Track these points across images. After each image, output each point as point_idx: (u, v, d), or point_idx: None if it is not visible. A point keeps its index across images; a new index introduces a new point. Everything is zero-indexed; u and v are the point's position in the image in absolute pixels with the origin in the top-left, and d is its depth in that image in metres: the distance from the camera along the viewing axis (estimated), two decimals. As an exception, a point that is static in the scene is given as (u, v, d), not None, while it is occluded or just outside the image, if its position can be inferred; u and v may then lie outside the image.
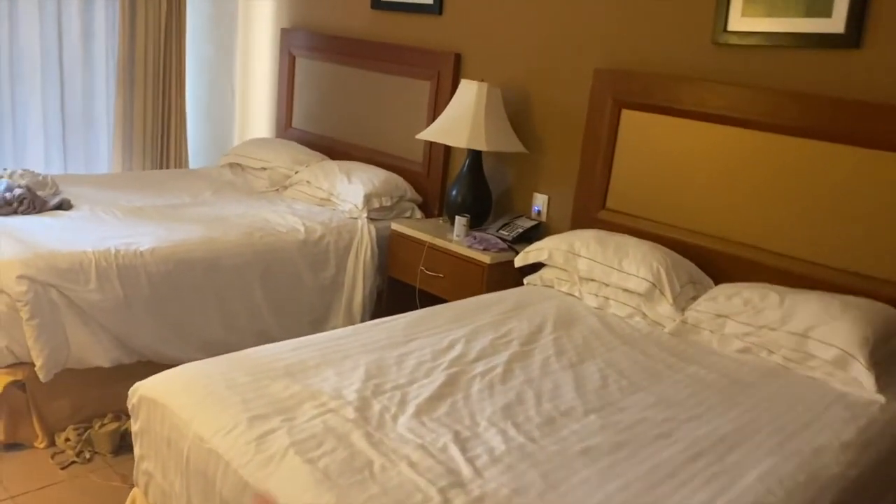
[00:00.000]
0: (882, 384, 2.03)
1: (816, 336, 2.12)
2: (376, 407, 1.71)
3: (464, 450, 1.57)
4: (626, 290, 2.50)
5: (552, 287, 2.69)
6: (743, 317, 2.27)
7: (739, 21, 2.55)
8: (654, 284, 2.43)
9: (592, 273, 2.57)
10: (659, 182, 2.76)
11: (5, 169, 3.26)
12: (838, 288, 2.33)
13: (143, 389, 1.76)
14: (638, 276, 2.46)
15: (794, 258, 2.46)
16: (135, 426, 1.80)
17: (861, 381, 2.03)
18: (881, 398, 1.99)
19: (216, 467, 1.54)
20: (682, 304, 2.43)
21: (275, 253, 2.99)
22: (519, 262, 2.77)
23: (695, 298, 2.48)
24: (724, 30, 2.58)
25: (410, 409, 1.71)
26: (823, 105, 2.35)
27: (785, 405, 1.94)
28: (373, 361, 1.93)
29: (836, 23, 2.35)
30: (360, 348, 2.01)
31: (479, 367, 1.97)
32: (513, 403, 1.80)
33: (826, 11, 2.36)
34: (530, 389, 1.88)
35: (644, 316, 2.45)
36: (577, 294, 2.61)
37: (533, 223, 3.11)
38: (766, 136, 2.49)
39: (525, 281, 2.77)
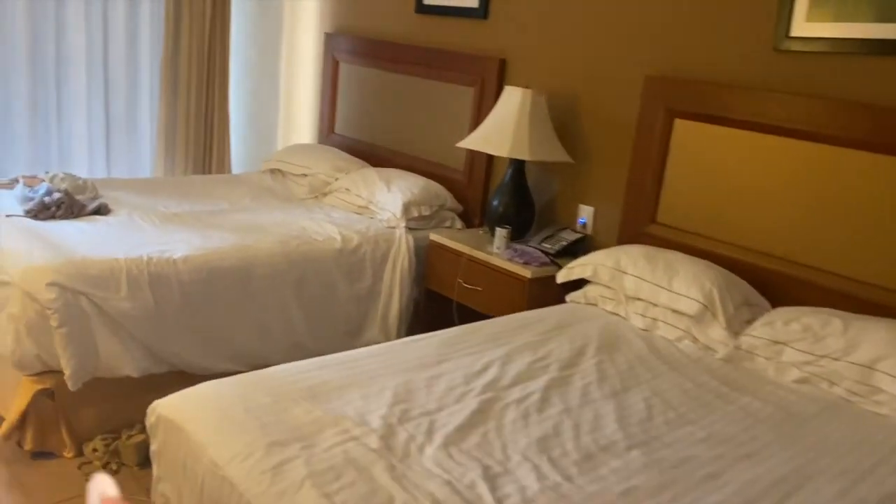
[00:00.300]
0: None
1: (884, 368, 1.95)
2: (402, 435, 1.60)
3: (493, 488, 1.45)
4: (675, 312, 2.35)
5: (596, 305, 2.55)
6: (802, 344, 2.10)
7: (804, 26, 2.38)
8: (705, 306, 2.28)
9: (640, 292, 2.42)
10: (713, 196, 2.60)
11: (47, 172, 3.27)
12: (909, 315, 2.15)
13: (161, 409, 1.69)
14: (689, 297, 2.31)
15: (861, 282, 2.28)
16: (153, 445, 1.73)
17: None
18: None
19: (230, 497, 1.45)
20: (735, 328, 2.27)
21: (310, 262, 2.92)
22: (561, 278, 2.64)
23: (749, 322, 2.32)
24: (787, 35, 2.41)
25: (438, 439, 1.60)
26: (894, 117, 2.16)
27: (848, 445, 1.77)
28: (401, 384, 1.83)
29: (911, 28, 2.17)
30: (389, 369, 1.91)
31: (515, 394, 1.85)
32: (549, 436, 1.68)
33: (901, 15, 2.18)
34: (568, 420, 1.76)
35: (694, 340, 2.30)
36: (622, 314, 2.47)
37: (578, 236, 2.97)
38: (831, 150, 2.31)
39: (568, 298, 2.63)
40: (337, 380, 1.81)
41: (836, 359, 2.03)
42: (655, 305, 2.40)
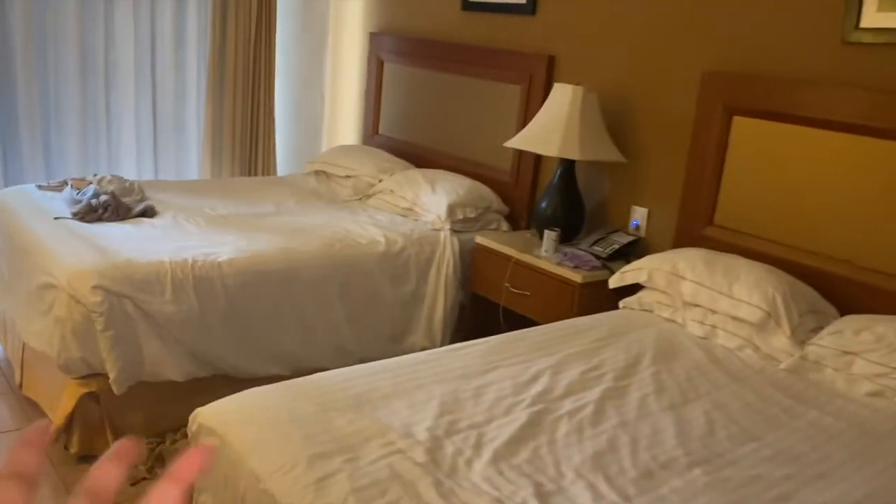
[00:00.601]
0: None
1: (969, 383, 1.81)
2: (449, 449, 1.53)
3: (546, 507, 1.37)
4: (736, 319, 2.23)
5: (651, 312, 2.44)
6: (875, 355, 1.97)
7: (875, 17, 2.24)
8: (768, 313, 2.16)
9: (698, 298, 2.31)
10: (776, 197, 2.47)
11: (95, 174, 3.29)
12: None
13: (203, 417, 1.65)
14: (750, 304, 2.19)
15: (938, 288, 2.13)
16: (194, 454, 1.68)
17: None
18: None
19: (271, 512, 1.40)
20: (800, 337, 2.14)
21: (354, 265, 2.87)
22: (614, 283, 2.54)
23: (816, 331, 2.19)
24: (857, 27, 2.27)
25: (487, 453, 1.53)
26: None
27: (930, 466, 1.64)
28: (448, 393, 1.76)
29: None
30: (435, 377, 1.84)
31: (567, 405, 1.77)
32: (604, 451, 1.59)
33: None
34: (625, 434, 1.66)
35: (756, 349, 2.18)
36: (679, 321, 2.36)
37: (630, 238, 2.86)
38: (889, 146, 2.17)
39: (621, 304, 2.53)
40: (382, 388, 1.75)
41: (914, 372, 1.89)
42: (714, 312, 2.29)
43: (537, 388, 1.84)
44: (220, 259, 2.58)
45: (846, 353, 2.02)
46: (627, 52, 2.92)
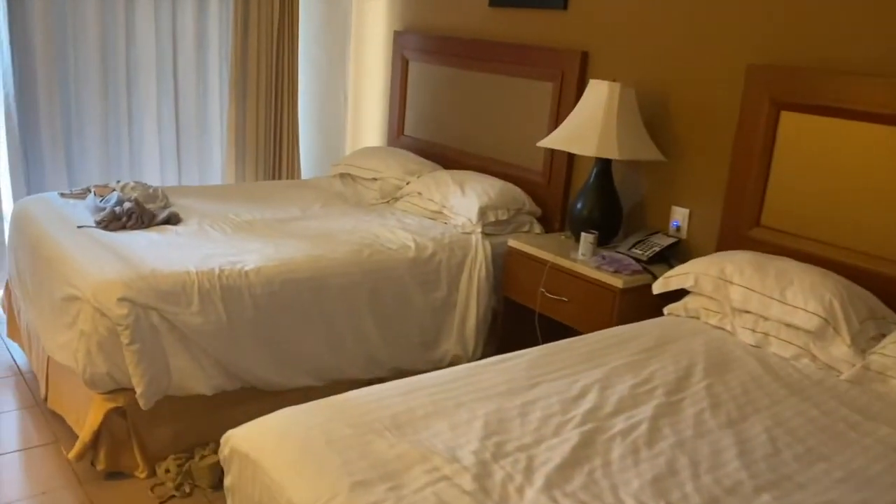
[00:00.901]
0: None
1: None
2: (498, 475, 1.43)
3: (607, 541, 1.27)
4: (790, 326, 2.11)
5: (698, 318, 2.32)
6: (949, 366, 1.84)
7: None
8: (826, 320, 2.03)
9: (748, 304, 2.19)
10: (829, 196, 2.34)
11: (118, 181, 3.23)
12: None
13: (235, 440, 1.56)
14: (806, 311, 2.06)
15: None
16: (227, 480, 1.60)
17: None
18: None
19: (311, 546, 1.31)
20: (861, 346, 2.02)
21: (384, 272, 2.77)
22: (658, 288, 2.42)
23: (877, 339, 2.06)
24: (917, 13, 2.14)
25: (539, 479, 1.42)
26: None
27: None
28: (492, 412, 1.66)
29: None
30: (477, 394, 1.74)
31: (619, 424, 1.66)
32: (664, 475, 1.48)
33: None
34: (683, 455, 1.55)
35: (813, 358, 2.06)
36: (728, 328, 2.24)
37: (672, 241, 2.74)
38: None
39: (666, 310, 2.41)
40: (421, 407, 1.65)
41: None
42: (766, 319, 2.17)
43: (586, 404, 1.73)
44: (247, 268, 2.50)
45: (915, 362, 1.89)
46: (664, 45, 2.80)
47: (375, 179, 3.58)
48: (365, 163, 3.68)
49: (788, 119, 2.42)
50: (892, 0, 2.18)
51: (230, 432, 1.60)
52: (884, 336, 2.07)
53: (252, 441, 1.54)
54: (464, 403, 1.68)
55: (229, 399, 2.48)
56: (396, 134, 4.11)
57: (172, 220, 2.91)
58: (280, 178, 4.33)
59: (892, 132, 2.18)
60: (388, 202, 3.48)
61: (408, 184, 3.46)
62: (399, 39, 4.03)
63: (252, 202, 3.31)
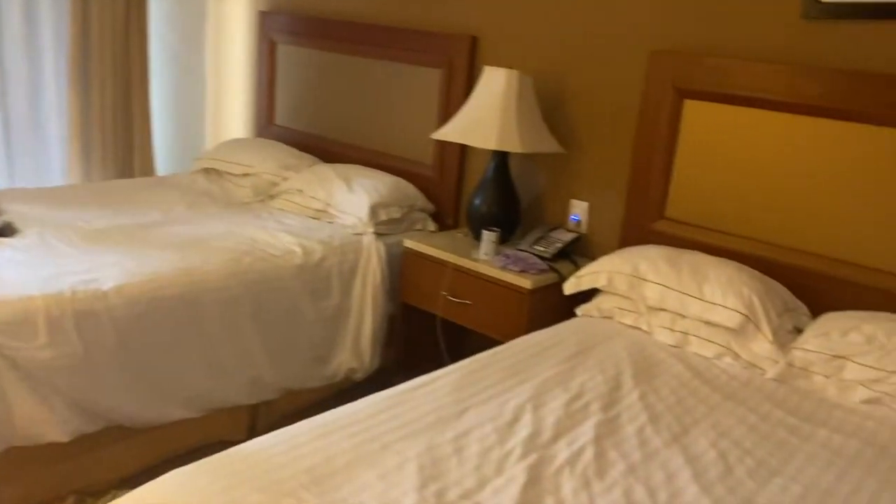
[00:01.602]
0: None
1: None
2: (445, 534, 1.22)
3: None
4: (709, 324, 2.04)
5: (612, 319, 2.21)
6: (868, 358, 1.82)
7: (836, -11, 2.09)
8: (747, 317, 1.97)
9: (665, 302, 2.10)
10: (733, 187, 2.30)
11: (-67, 186, 2.70)
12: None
13: (112, 520, 1.25)
14: (726, 307, 2.00)
15: (913, 279, 2.02)
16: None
17: None
18: None
19: None
20: (782, 341, 1.98)
21: (267, 282, 2.47)
22: (570, 289, 2.29)
23: (793, 332, 2.03)
24: (818, 0, 2.11)
25: (492, 534, 1.22)
26: None
27: (956, 484, 1.49)
28: (424, 452, 1.44)
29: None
30: (402, 430, 1.51)
31: (563, 452, 1.49)
32: (624, 511, 1.33)
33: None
34: (638, 484, 1.41)
35: (736, 356, 1.99)
36: (645, 328, 2.14)
37: (573, 236, 2.63)
38: (873, 130, 2.03)
39: (578, 311, 2.29)
40: (341, 454, 1.40)
41: (912, 375, 1.76)
42: (684, 317, 2.09)
43: (523, 430, 1.55)
44: (105, 287, 2.13)
45: (836, 356, 1.86)
46: (562, 31, 2.67)
47: (247, 175, 3.24)
48: (233, 156, 3.32)
49: (692, 107, 2.35)
50: (792, -13, 2.15)
51: (105, 508, 1.28)
52: (798, 329, 2.05)
53: (135, 520, 1.23)
54: (389, 444, 1.45)
55: (90, 442, 2.11)
56: (265, 124, 3.76)
57: (6, 231, 2.45)
58: (133, 175, 3.86)
59: (796, 120, 2.15)
60: (262, 201, 3.15)
61: (285, 180, 3.15)
62: (265, 21, 3.67)
63: (104, 206, 2.88)
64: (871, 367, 1.81)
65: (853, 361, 1.84)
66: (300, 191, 3.02)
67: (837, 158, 2.10)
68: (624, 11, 2.50)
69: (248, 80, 3.89)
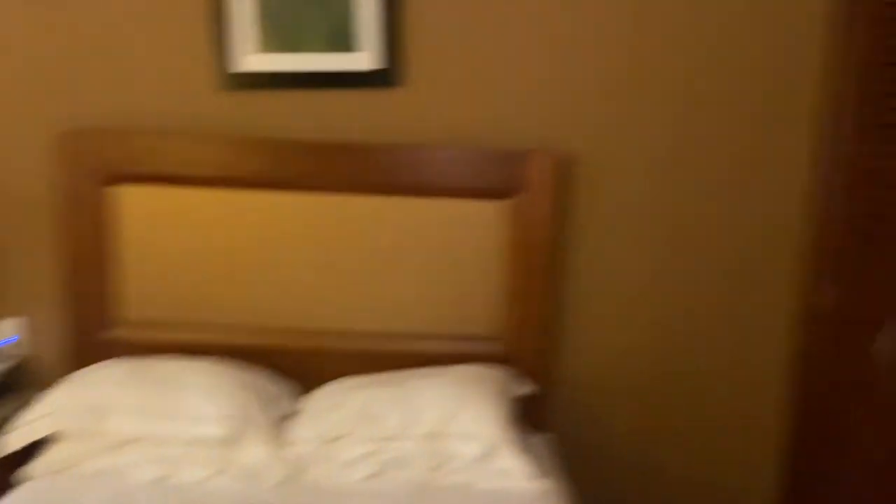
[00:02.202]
0: (534, 467, 1.76)
1: (455, 429, 1.75)
2: None
3: None
4: (194, 443, 1.74)
5: (75, 468, 1.73)
6: (364, 431, 1.76)
7: (251, 59, 1.99)
8: (236, 420, 1.74)
9: (141, 430, 1.73)
10: (195, 273, 2.04)
11: None
12: (441, 357, 2.00)
13: None
14: (208, 417, 1.73)
15: (382, 334, 2.05)
16: None
17: (512, 470, 1.72)
18: (537, 484, 1.72)
19: None
20: (277, 436, 1.80)
21: None
22: (15, 444, 1.72)
23: (288, 419, 1.87)
24: (232, 70, 1.98)
25: None
26: (357, 153, 1.95)
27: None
28: None
29: (362, 59, 1.98)
30: None
31: None
32: None
33: (352, 46, 1.97)
34: None
35: (222, 472, 1.72)
36: (122, 466, 1.73)
37: (12, 363, 2.04)
38: (310, 197, 2.00)
39: (25, 476, 1.72)
40: None
41: (403, 438, 1.75)
42: (166, 442, 1.74)
43: None
44: None
45: (335, 439, 1.76)
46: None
47: None
48: None
49: (129, 193, 2.00)
50: (207, 59, 1.98)
51: None
52: (282, 418, 1.87)
53: None
54: None
55: None
56: None
57: None
58: None
59: (234, 194, 1.99)
60: None
61: None
62: None
63: None
64: (368, 439, 1.75)
65: (349, 438, 1.76)
66: None
67: (287, 229, 2.02)
68: (22, 87, 2.02)
69: None
